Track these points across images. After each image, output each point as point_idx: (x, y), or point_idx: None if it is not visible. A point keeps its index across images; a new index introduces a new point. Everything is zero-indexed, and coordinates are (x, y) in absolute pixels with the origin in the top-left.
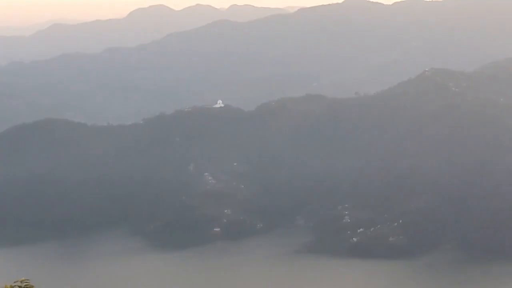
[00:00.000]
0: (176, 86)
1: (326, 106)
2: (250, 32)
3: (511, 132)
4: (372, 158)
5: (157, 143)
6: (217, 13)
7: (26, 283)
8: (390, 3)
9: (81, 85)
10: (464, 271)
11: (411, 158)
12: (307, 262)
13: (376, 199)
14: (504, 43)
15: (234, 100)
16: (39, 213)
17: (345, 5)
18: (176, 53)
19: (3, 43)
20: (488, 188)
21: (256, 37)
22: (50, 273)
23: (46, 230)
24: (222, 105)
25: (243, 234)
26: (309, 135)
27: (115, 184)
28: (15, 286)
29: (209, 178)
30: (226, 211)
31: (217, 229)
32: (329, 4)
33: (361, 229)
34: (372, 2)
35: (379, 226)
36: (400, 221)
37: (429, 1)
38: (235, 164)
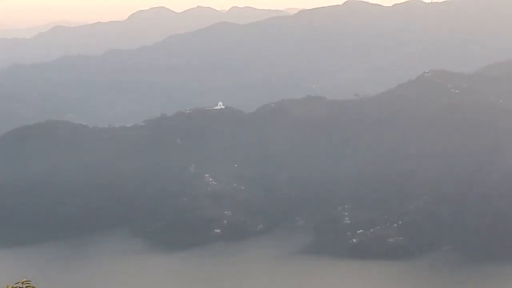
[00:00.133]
0: (177, 88)
1: (326, 107)
2: (250, 34)
3: (510, 134)
4: (372, 159)
5: (158, 144)
6: (217, 15)
7: (28, 285)
8: (390, 5)
9: (82, 87)
10: (464, 272)
11: (411, 159)
12: (307, 263)
13: (375, 200)
14: (504, 45)
15: (234, 102)
16: (41, 214)
17: (345, 7)
18: (177, 55)
19: (4, 45)
20: (487, 189)
21: (257, 39)
22: (52, 274)
23: (47, 231)
24: (223, 107)
25: (243, 235)
26: (309, 137)
27: (116, 185)
28: (16, 287)
29: (210, 179)
30: (226, 212)
31: (217, 230)
32: (329, 6)
33: (361, 230)
34: (372, 4)
35: (378, 227)
36: (400, 222)
37: (429, 2)
38: (235, 165)
